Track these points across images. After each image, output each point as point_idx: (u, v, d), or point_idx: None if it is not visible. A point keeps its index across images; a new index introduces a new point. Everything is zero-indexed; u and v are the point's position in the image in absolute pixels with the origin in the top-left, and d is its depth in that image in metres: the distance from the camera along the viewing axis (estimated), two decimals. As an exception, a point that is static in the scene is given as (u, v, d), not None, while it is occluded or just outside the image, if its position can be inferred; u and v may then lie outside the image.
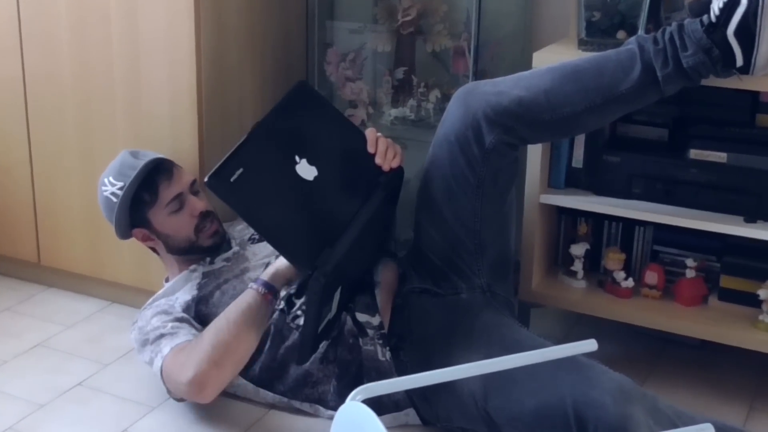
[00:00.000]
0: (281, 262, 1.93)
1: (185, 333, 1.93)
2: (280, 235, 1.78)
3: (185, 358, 1.86)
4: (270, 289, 1.91)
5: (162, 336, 1.93)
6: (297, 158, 1.82)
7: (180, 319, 1.98)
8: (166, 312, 2.00)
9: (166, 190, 2.05)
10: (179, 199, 2.06)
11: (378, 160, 1.93)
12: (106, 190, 2.07)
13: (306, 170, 1.83)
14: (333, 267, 1.73)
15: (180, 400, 1.97)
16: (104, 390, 2.11)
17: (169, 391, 1.95)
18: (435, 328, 1.92)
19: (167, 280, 2.16)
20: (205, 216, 2.08)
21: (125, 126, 2.31)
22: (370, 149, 1.93)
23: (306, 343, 1.85)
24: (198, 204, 2.08)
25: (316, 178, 1.83)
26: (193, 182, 2.10)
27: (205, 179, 1.72)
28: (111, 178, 2.07)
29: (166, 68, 2.22)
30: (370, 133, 1.96)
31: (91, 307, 2.50)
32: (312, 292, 1.75)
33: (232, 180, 1.73)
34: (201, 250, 2.10)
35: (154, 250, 2.17)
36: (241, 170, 1.74)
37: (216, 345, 1.84)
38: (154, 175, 2.05)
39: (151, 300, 2.09)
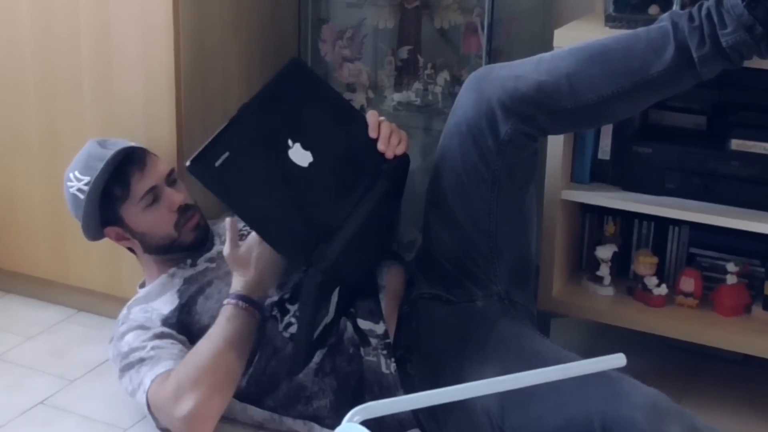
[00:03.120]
0: (248, 271, 1.95)
1: (167, 355, 1.95)
2: (271, 226, 1.81)
3: (172, 390, 1.88)
4: (248, 302, 1.93)
5: (142, 361, 1.95)
6: (290, 142, 1.85)
7: (160, 335, 2.00)
8: (142, 327, 2.02)
9: (138, 182, 2.07)
10: (153, 192, 2.08)
11: (380, 147, 1.95)
12: (72, 186, 2.09)
13: (300, 155, 1.85)
14: (330, 263, 1.75)
15: (165, 430, 1.97)
16: (69, 409, 2.12)
17: (156, 420, 1.96)
18: (446, 338, 1.94)
19: (142, 286, 2.18)
20: (184, 210, 2.11)
21: (93, 111, 2.33)
22: (372, 134, 1.95)
23: (299, 351, 1.87)
24: (176, 197, 2.10)
25: (311, 164, 1.86)
26: (171, 172, 2.12)
27: (187, 163, 1.74)
28: (77, 173, 2.08)
29: (139, 45, 2.24)
30: (371, 116, 1.98)
31: (54, 315, 2.52)
32: (307, 292, 1.77)
33: (216, 165, 1.75)
34: (183, 247, 2.12)
35: (131, 249, 2.19)
36: (227, 154, 1.76)
37: (202, 376, 1.86)
38: (124, 167, 2.07)
39: (125, 310, 2.11)
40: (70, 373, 2.26)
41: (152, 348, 1.96)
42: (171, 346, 1.98)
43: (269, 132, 1.85)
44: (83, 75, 2.33)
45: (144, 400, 1.92)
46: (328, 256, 1.77)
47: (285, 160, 1.84)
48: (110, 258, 2.36)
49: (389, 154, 1.95)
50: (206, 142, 1.78)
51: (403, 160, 1.98)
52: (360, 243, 1.90)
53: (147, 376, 1.93)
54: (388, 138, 1.96)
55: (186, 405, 1.86)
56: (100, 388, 2.19)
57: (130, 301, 2.13)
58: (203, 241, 2.15)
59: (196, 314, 2.04)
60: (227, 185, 1.78)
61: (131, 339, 2.00)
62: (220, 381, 1.88)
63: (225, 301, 1.94)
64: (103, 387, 2.18)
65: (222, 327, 1.92)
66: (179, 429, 1.90)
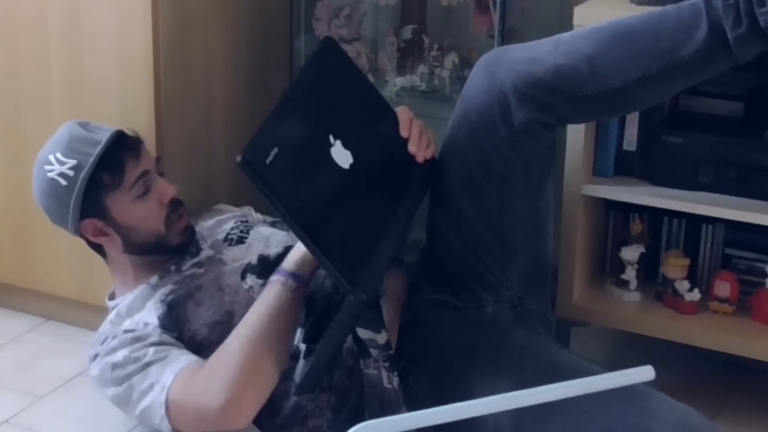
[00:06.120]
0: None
1: (179, 353, 1.94)
2: (322, 236, 1.76)
3: (205, 382, 1.87)
4: (299, 282, 1.92)
5: (149, 365, 1.93)
6: (332, 139, 1.83)
7: (161, 343, 1.97)
8: (138, 339, 1.99)
9: (133, 170, 2.05)
10: (144, 180, 2.06)
11: (412, 148, 1.95)
12: (52, 170, 2.04)
13: (341, 155, 1.84)
14: (374, 289, 1.76)
15: None
16: (37, 429, 2.13)
17: (172, 422, 1.91)
18: (453, 348, 1.95)
19: (111, 298, 2.16)
20: (176, 205, 2.10)
21: (63, 98, 2.34)
22: (403, 133, 1.96)
23: (317, 370, 1.86)
24: (168, 188, 2.09)
25: (351, 166, 1.84)
26: (158, 160, 2.11)
27: (238, 159, 1.69)
28: (59, 155, 2.04)
29: (114, 23, 2.25)
30: (403, 112, 1.98)
31: (20, 325, 2.53)
32: (348, 314, 1.77)
33: (268, 162, 1.71)
34: (168, 248, 2.11)
35: (99, 250, 2.15)
36: (276, 150, 1.73)
37: (246, 362, 1.86)
38: (118, 151, 2.05)
39: (108, 326, 2.06)
40: (38, 389, 2.27)
41: (156, 352, 1.94)
42: (179, 346, 1.97)
43: (313, 125, 1.83)
44: (51, 57, 2.33)
45: (163, 400, 1.89)
46: (373, 281, 1.77)
47: (328, 159, 1.82)
48: (82, 262, 2.36)
49: (420, 158, 1.96)
50: (254, 135, 1.74)
51: (433, 165, 1.98)
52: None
53: (166, 373, 1.90)
54: (419, 139, 1.97)
55: (220, 395, 1.84)
56: (70, 405, 2.20)
57: (110, 316, 2.09)
58: (188, 244, 2.14)
59: (187, 322, 2.01)
60: (278, 186, 1.73)
61: (127, 352, 1.97)
62: (255, 375, 1.87)
63: (273, 278, 1.93)
64: (74, 404, 2.19)
65: (266, 308, 1.91)
66: (214, 423, 1.87)
